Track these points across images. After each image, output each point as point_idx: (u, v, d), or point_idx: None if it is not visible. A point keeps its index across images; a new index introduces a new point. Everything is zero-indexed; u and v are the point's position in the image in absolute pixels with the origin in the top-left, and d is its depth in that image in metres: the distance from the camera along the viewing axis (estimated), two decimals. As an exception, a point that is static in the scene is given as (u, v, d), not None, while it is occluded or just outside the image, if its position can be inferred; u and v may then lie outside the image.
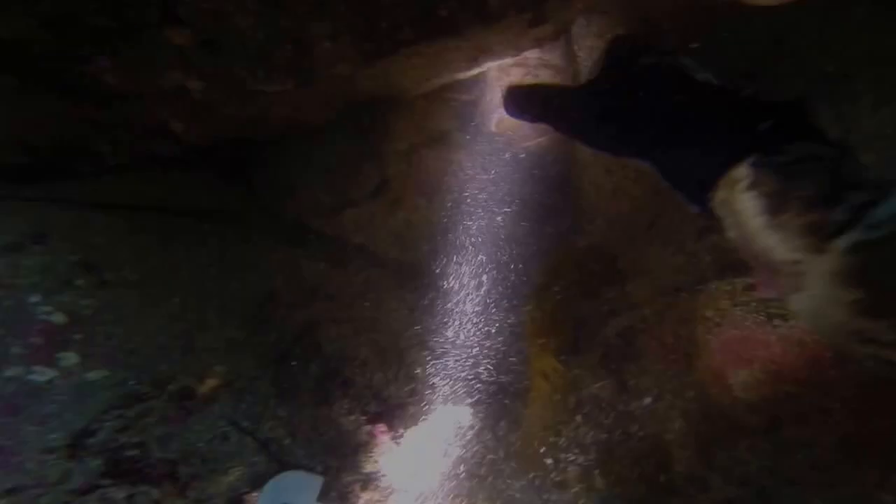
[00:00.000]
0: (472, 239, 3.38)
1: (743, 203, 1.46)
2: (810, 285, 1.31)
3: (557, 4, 2.95)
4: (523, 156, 3.52)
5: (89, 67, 2.46)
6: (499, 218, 3.45)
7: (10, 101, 2.43)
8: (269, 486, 1.87)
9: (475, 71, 3.34)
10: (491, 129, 3.63)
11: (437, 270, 3.29)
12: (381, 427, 2.28)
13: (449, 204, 3.46)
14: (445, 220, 3.43)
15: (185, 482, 1.91)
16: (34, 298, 2.08)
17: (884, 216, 1.21)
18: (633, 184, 3.01)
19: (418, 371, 2.58)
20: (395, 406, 2.39)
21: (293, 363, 2.40)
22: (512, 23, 2.87)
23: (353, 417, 2.26)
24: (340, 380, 2.36)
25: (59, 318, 2.07)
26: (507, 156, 3.56)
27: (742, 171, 1.49)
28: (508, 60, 3.38)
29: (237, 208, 2.97)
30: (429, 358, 2.72)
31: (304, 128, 3.38)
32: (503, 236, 3.42)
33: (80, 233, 2.28)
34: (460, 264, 3.32)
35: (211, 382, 2.17)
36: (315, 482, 1.83)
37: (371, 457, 2.22)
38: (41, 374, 1.93)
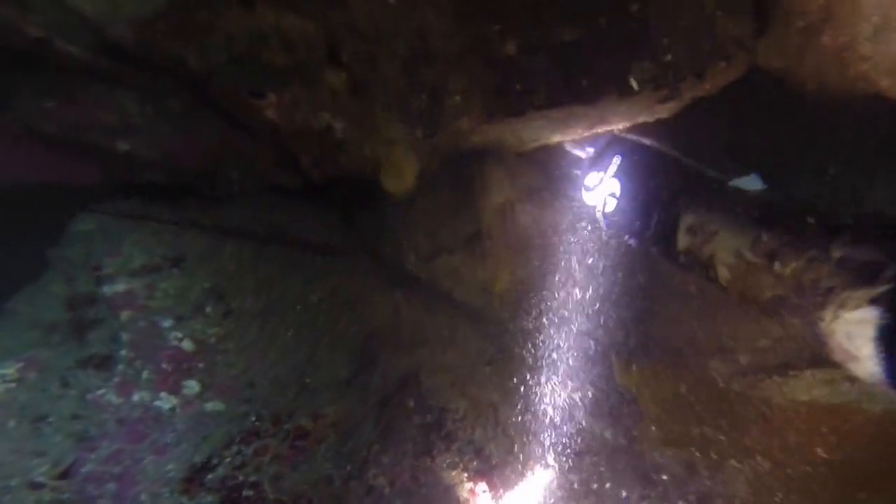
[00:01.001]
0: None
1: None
2: None
3: (691, 84, 2.88)
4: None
5: (259, 102, 2.52)
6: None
7: (171, 123, 2.49)
8: None
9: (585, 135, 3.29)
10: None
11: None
12: (483, 485, 2.13)
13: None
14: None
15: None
16: (166, 323, 2.06)
17: None
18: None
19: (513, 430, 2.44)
20: (496, 464, 2.24)
21: (395, 408, 2.30)
22: (645, 98, 2.81)
23: (454, 473, 2.12)
24: (444, 432, 2.24)
25: (188, 345, 2.04)
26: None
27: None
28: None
29: (345, 245, 2.94)
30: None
31: None
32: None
33: (214, 259, 2.27)
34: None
35: (323, 422, 2.08)
36: None
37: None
38: (166, 402, 1.88)
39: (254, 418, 1.95)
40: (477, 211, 3.52)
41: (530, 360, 2.98)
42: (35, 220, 2.42)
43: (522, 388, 2.80)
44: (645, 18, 2.68)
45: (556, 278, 3.30)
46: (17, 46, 2.15)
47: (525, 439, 2.43)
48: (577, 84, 2.64)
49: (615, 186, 3.11)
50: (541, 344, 3.17)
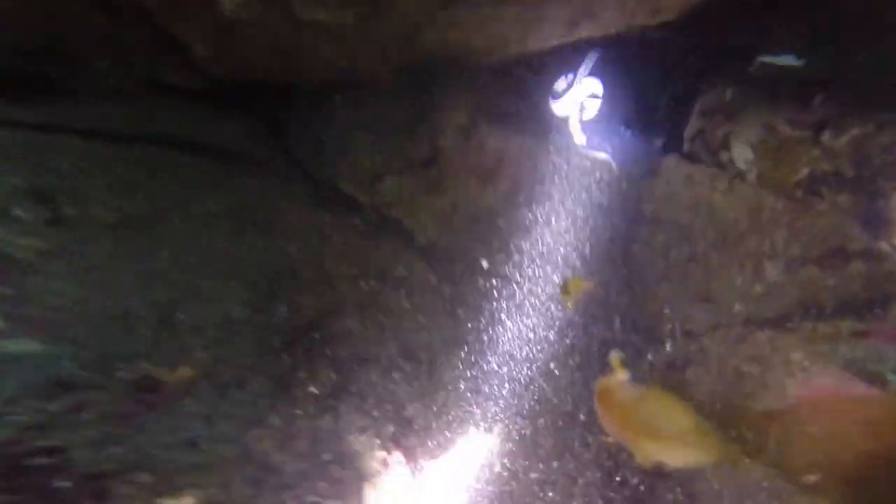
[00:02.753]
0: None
1: None
2: None
3: None
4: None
5: None
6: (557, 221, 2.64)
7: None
8: None
9: (565, 40, 2.58)
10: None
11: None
12: (398, 455, 1.52)
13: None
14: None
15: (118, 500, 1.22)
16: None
17: None
18: (720, 196, 2.22)
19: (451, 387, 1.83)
20: (418, 429, 1.63)
21: (299, 355, 1.68)
22: None
23: (363, 438, 1.51)
24: (356, 386, 1.62)
25: (-15, 259, 1.39)
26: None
27: None
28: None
29: (264, 157, 2.27)
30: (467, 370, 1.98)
31: (354, 82, 2.68)
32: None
33: (40, 157, 1.59)
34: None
35: (184, 371, 1.47)
36: None
37: (379, 491, 1.47)
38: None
39: (77, 366, 1.32)
40: (434, 130, 2.87)
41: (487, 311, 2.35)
42: None
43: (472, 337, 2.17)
44: None
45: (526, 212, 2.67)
46: None
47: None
48: None
49: (594, 86, 2.45)
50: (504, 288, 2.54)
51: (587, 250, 2.41)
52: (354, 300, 2.00)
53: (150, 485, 1.28)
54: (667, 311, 2.21)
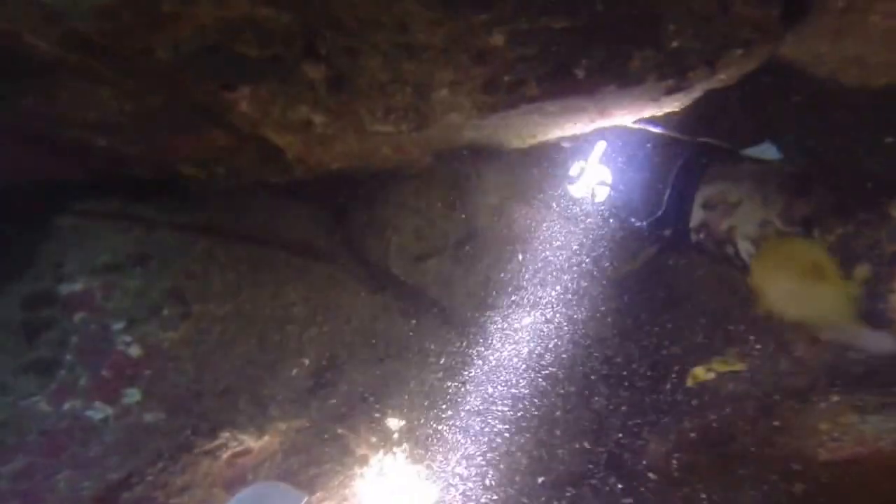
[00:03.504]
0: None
1: None
2: None
3: (702, 74, 2.43)
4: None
5: (231, 94, 2.32)
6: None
7: (150, 119, 2.33)
8: (245, 493, 1.51)
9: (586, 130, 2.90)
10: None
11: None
12: None
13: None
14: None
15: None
16: (118, 325, 1.90)
17: None
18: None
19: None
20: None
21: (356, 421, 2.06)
22: (649, 88, 2.39)
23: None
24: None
25: (135, 350, 1.87)
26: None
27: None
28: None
29: (327, 247, 2.73)
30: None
31: (401, 168, 3.06)
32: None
33: (181, 258, 2.10)
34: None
35: (269, 439, 1.88)
36: (297, 498, 1.48)
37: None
38: (99, 412, 1.72)
39: (190, 432, 1.76)
40: (470, 211, 3.23)
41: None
42: (22, 217, 2.34)
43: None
44: (648, 1, 2.26)
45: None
46: None
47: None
48: (572, 74, 2.27)
49: (603, 173, 2.71)
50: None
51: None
52: (398, 375, 2.38)
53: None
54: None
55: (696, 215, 2.31)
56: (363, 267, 2.84)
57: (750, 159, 2.20)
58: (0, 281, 1.96)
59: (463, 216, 3.09)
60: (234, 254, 2.33)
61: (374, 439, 2.06)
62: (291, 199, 2.76)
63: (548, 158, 3.20)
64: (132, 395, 1.79)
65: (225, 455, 1.79)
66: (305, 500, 1.60)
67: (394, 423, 2.11)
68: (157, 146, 2.59)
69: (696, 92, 2.61)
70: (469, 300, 2.90)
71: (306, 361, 2.21)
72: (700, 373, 2.45)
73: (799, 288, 1.70)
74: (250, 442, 1.85)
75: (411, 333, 2.64)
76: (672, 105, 2.70)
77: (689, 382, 2.43)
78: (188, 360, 1.95)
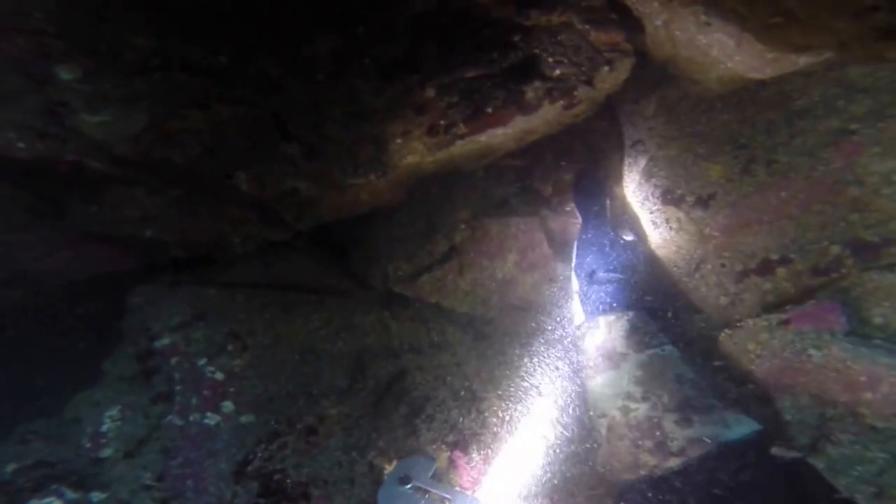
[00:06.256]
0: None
1: None
2: None
3: (586, 91, 3.48)
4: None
5: (233, 181, 3.25)
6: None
7: (177, 208, 3.26)
8: (397, 466, 2.34)
9: (523, 146, 3.88)
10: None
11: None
12: (458, 453, 2.76)
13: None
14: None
15: (315, 500, 2.49)
16: (202, 362, 2.82)
17: None
18: (675, 234, 3.45)
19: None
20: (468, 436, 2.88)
21: (387, 404, 2.96)
22: (548, 109, 3.42)
23: (435, 446, 2.79)
24: (425, 415, 2.90)
25: (219, 375, 2.79)
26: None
27: None
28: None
29: (337, 281, 3.66)
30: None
31: (383, 208, 3.94)
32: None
33: (229, 309, 3.03)
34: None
35: (328, 421, 2.78)
36: (430, 464, 2.26)
37: (449, 477, 2.69)
38: (212, 419, 2.63)
39: (274, 423, 2.67)
40: (448, 228, 4.15)
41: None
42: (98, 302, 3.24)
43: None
44: (527, 45, 3.34)
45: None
46: (62, 170, 2.95)
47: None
48: (485, 113, 3.30)
49: None
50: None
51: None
52: (416, 365, 3.28)
53: (327, 486, 2.58)
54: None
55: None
56: (370, 293, 3.68)
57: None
58: (104, 346, 2.87)
59: (443, 234, 3.86)
60: (264, 299, 3.25)
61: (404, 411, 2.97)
62: (300, 251, 3.70)
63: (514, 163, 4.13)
64: (227, 406, 2.68)
65: (301, 435, 2.68)
66: (434, 464, 2.25)
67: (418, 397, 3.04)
68: (184, 227, 3.53)
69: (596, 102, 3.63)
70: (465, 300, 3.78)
71: (339, 367, 3.11)
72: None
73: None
74: (314, 424, 2.75)
75: (421, 332, 3.55)
76: (574, 117, 3.75)
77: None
78: (255, 377, 2.84)
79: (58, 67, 2.55)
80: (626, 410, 2.77)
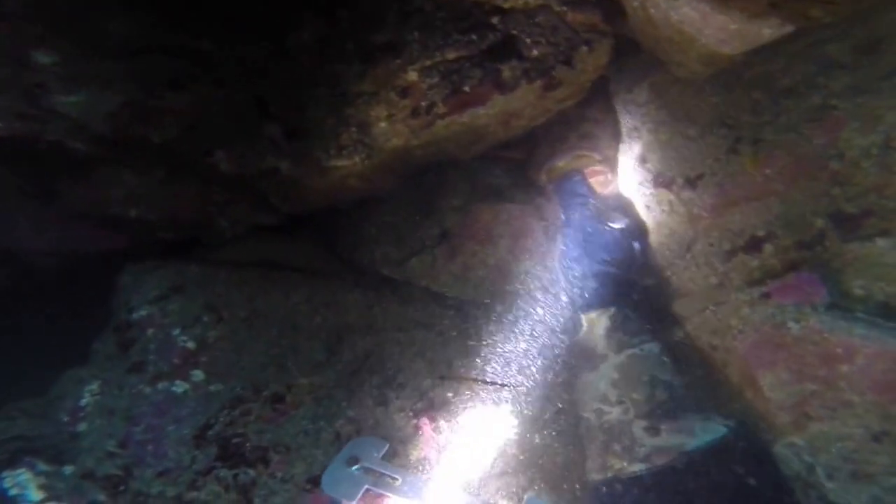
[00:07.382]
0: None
1: None
2: None
3: (565, 71, 3.43)
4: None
5: (210, 159, 3.35)
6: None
7: (162, 189, 3.40)
8: (347, 446, 2.33)
9: (513, 133, 3.84)
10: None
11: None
12: (425, 420, 2.74)
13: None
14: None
15: (274, 465, 2.52)
16: (176, 332, 2.91)
17: None
18: (667, 216, 3.36)
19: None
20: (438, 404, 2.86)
21: (362, 376, 2.96)
22: (526, 89, 3.38)
23: (402, 414, 2.78)
24: (396, 384, 2.91)
25: (191, 344, 2.87)
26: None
27: None
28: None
29: (324, 264, 3.72)
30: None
31: (375, 195, 4.02)
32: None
33: (208, 284, 3.13)
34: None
35: (297, 391, 2.81)
36: (382, 444, 2.24)
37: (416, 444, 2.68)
38: (179, 387, 2.72)
39: (239, 389, 2.72)
40: (440, 213, 4.16)
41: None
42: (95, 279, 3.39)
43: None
44: (506, 26, 3.33)
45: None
46: (43, 149, 3.04)
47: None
48: (463, 91, 3.30)
49: None
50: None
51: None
52: (395, 340, 3.27)
53: (288, 453, 2.59)
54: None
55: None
56: (356, 274, 3.73)
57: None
58: (95, 327, 3.01)
59: (434, 220, 3.91)
60: (248, 277, 3.33)
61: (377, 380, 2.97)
62: (289, 236, 3.78)
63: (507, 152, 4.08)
64: (197, 374, 2.76)
65: (267, 402, 2.72)
66: (387, 445, 2.14)
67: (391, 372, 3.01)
68: (170, 208, 3.65)
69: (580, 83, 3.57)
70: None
71: (317, 341, 3.14)
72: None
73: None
74: (283, 393, 2.78)
75: (407, 311, 3.52)
76: (560, 100, 3.68)
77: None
78: (229, 349, 2.91)
79: (35, 51, 2.71)
80: (600, 414, 2.74)
